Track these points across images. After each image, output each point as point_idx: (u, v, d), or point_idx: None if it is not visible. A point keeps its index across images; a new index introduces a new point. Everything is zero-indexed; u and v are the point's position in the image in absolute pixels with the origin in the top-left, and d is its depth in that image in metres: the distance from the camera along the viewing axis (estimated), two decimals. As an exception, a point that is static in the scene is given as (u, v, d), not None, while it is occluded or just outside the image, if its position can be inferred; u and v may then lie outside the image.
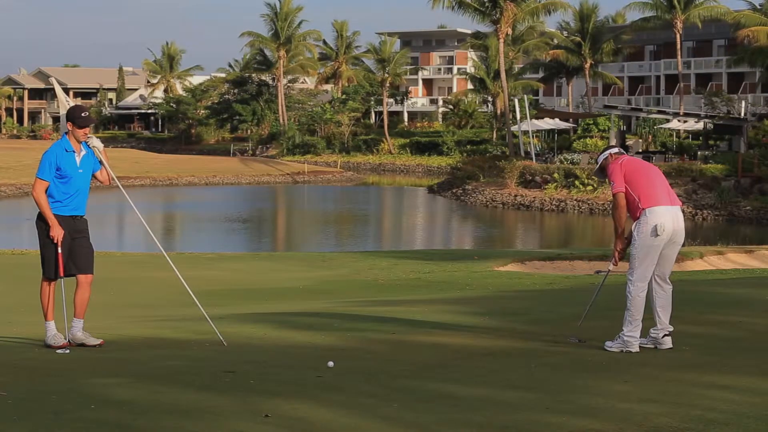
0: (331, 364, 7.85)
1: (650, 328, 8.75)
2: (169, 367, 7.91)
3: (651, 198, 8.58)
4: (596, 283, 17.77)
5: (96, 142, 9.11)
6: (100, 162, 9.14)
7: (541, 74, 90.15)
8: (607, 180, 8.81)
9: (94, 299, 12.44)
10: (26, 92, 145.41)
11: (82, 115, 8.99)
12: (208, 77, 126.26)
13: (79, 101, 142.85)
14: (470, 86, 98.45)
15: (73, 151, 8.97)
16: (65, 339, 8.93)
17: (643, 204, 8.56)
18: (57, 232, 8.80)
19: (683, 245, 8.99)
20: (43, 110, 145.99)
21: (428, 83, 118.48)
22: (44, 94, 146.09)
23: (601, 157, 8.94)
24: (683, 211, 8.81)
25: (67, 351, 8.69)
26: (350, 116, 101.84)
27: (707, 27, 77.59)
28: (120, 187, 9.47)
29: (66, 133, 9.04)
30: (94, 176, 9.21)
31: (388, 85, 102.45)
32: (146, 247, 38.14)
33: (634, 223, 8.64)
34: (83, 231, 9.07)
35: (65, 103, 9.50)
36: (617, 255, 8.86)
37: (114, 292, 16.51)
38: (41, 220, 8.92)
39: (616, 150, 8.89)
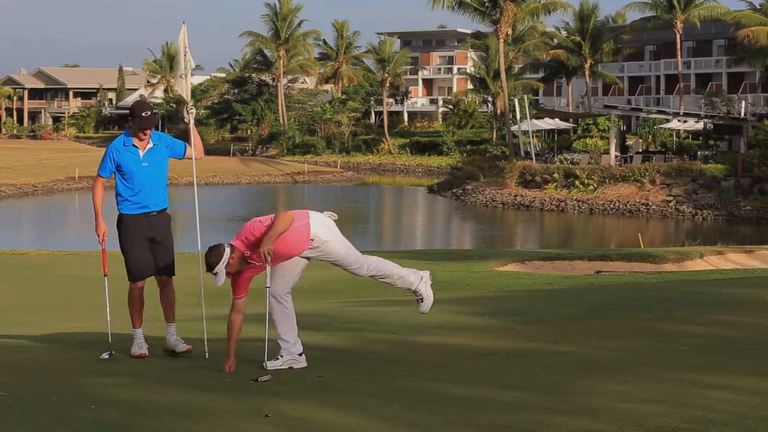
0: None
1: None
2: (169, 367, 7.91)
3: None
4: (596, 283, 17.80)
5: (189, 116, 8.63)
6: (186, 141, 8.66)
7: (541, 74, 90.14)
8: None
9: (95, 299, 12.45)
10: (26, 92, 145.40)
11: (143, 114, 8.25)
12: (208, 77, 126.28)
13: (79, 101, 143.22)
14: (470, 86, 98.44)
15: (134, 145, 8.34)
16: (111, 350, 8.37)
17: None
18: (100, 230, 8.44)
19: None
20: (43, 110, 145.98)
21: (428, 83, 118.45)
22: (44, 94, 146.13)
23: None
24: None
25: (106, 356, 8.33)
26: (350, 116, 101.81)
27: (707, 27, 77.57)
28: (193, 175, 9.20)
29: (129, 127, 8.40)
30: (185, 157, 8.67)
31: (388, 85, 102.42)
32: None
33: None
34: (161, 227, 8.60)
35: (183, 59, 8.63)
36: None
37: (114, 291, 16.48)
38: (119, 222, 8.49)
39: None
